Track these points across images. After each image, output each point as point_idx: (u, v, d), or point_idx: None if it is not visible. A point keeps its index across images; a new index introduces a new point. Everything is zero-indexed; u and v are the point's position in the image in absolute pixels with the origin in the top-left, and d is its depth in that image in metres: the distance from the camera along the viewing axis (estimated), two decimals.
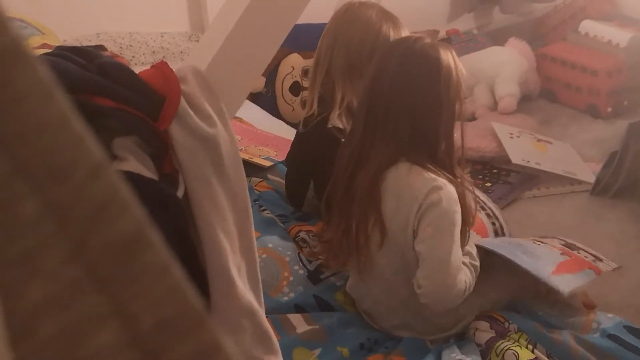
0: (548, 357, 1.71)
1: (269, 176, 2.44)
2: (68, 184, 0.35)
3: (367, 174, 1.70)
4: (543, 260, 1.88)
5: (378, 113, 1.70)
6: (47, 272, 0.34)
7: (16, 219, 0.34)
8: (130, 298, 0.36)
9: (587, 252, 2.01)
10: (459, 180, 1.73)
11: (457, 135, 1.76)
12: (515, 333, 1.77)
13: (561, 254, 1.94)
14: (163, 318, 0.37)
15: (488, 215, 2.21)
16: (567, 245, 2.02)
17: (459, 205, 1.70)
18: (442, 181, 1.68)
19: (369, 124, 1.72)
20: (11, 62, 0.34)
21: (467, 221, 1.73)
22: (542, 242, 2.00)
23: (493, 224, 2.18)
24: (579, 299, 1.93)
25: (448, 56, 1.72)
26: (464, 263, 1.72)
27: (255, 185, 2.36)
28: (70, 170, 0.35)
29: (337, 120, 2.12)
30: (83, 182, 0.35)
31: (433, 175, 1.68)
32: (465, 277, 1.70)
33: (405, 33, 2.13)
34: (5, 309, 0.32)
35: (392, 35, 2.10)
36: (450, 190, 1.68)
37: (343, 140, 2.09)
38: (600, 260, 1.99)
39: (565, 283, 1.81)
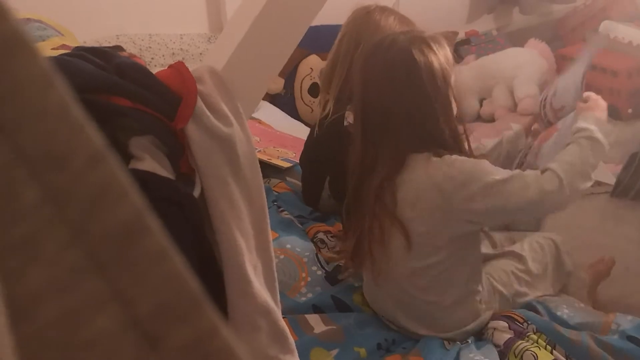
0: (567, 358, 1.71)
1: (287, 178, 2.45)
2: (67, 170, 0.36)
3: (375, 181, 1.71)
4: None
5: (375, 122, 1.72)
6: (47, 256, 0.35)
7: (16, 204, 0.35)
8: (129, 283, 0.37)
9: None
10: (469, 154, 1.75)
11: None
12: (534, 333, 1.77)
13: None
14: (161, 303, 0.37)
15: None
16: None
17: (472, 158, 1.71)
18: (448, 156, 1.68)
19: (367, 134, 1.73)
20: (11, 50, 0.34)
21: None
22: None
23: None
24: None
25: (423, 46, 1.70)
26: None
27: (274, 187, 2.37)
28: (70, 157, 0.36)
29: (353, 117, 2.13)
30: (82, 169, 0.36)
31: (443, 157, 1.68)
32: (550, 177, 1.67)
33: None
34: (5, 293, 0.33)
35: None
36: (456, 157, 1.68)
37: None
38: None
39: None
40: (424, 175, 1.68)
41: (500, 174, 1.66)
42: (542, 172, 1.69)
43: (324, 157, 2.24)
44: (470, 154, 1.74)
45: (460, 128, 1.75)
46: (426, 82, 1.68)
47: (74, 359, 0.34)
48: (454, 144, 1.73)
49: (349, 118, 2.12)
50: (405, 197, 1.70)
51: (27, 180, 0.35)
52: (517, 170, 1.71)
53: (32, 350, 0.34)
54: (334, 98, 2.19)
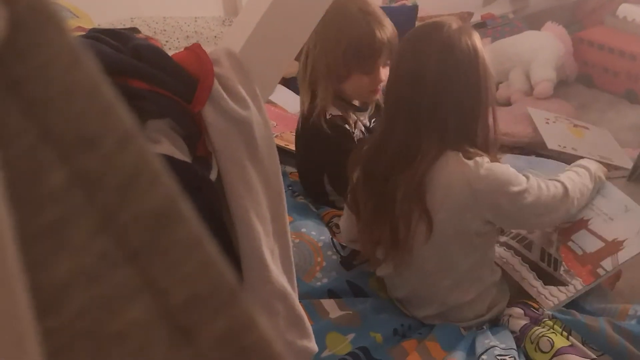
0: (583, 344, 1.69)
1: None
2: (97, 152, 0.34)
3: (418, 170, 1.66)
4: None
5: (422, 108, 1.66)
6: (75, 244, 0.33)
7: (43, 188, 0.33)
8: (161, 272, 0.35)
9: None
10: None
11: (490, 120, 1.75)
12: (550, 319, 1.75)
13: None
14: (195, 293, 0.36)
15: None
16: None
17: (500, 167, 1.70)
18: (480, 159, 1.66)
19: (412, 120, 1.68)
20: (38, 24, 0.32)
21: None
22: None
23: None
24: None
25: (480, 41, 1.71)
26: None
27: (290, 174, 2.35)
28: (99, 139, 0.34)
29: (334, 109, 2.11)
30: (113, 151, 0.34)
31: (475, 159, 1.66)
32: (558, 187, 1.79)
33: (387, 27, 2.08)
34: (32, 283, 0.31)
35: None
36: (488, 159, 1.68)
37: (350, 129, 2.09)
38: None
39: None
40: (456, 175, 1.65)
41: (523, 182, 1.70)
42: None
43: (317, 154, 2.20)
44: (495, 160, 1.72)
45: (491, 133, 1.75)
46: (482, 73, 1.68)
47: (104, 351, 0.33)
48: (482, 145, 1.71)
49: (330, 110, 2.10)
50: (433, 197, 1.68)
51: (54, 163, 0.33)
52: (534, 180, 1.73)
53: (60, 344, 0.32)
54: (310, 93, 2.17)
